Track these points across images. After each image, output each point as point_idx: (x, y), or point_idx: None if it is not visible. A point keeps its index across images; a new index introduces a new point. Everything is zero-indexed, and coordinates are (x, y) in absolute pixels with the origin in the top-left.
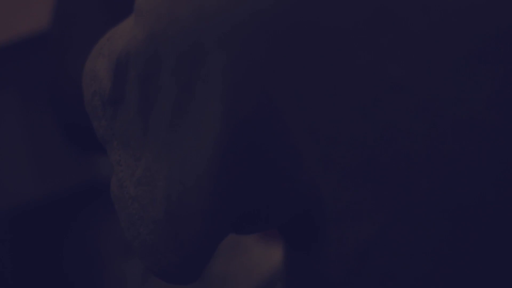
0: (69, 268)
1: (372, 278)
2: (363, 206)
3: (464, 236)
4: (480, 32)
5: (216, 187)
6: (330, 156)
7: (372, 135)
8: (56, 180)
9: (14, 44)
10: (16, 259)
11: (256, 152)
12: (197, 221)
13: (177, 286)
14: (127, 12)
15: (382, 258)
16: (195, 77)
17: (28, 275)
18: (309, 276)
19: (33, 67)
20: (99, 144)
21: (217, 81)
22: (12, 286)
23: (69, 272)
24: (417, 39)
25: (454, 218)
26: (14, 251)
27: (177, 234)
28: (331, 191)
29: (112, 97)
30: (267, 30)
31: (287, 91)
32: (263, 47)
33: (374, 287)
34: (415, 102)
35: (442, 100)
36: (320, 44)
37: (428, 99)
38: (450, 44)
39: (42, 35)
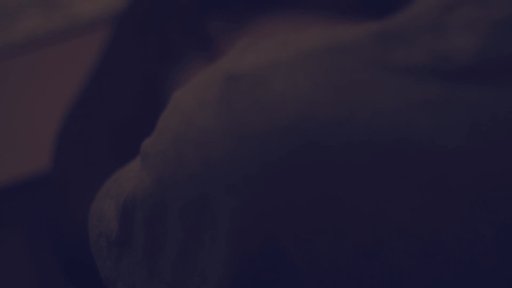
0: None
1: None
2: None
3: None
4: (484, 181)
5: None
6: None
7: (375, 275)
8: None
9: (16, 184)
10: None
11: None
12: None
13: None
14: (131, 153)
15: None
16: (201, 222)
17: None
18: None
19: (35, 206)
20: (99, 283)
21: (224, 226)
22: None
23: None
24: (421, 186)
25: None
26: None
27: None
28: None
29: (118, 239)
30: (276, 180)
31: (293, 234)
32: (272, 195)
33: None
34: (418, 245)
35: (445, 244)
36: (325, 192)
37: (432, 243)
38: (454, 190)
39: (45, 175)
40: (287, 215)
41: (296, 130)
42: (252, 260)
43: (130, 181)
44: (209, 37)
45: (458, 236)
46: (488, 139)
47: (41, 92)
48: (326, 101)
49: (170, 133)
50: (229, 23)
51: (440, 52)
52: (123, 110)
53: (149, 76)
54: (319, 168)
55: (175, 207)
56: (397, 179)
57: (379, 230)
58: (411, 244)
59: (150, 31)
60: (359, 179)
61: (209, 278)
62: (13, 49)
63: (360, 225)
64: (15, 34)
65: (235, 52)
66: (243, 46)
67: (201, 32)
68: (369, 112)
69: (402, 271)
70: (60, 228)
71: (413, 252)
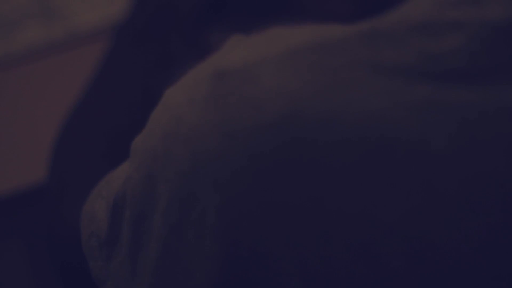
0: None
1: None
2: None
3: None
4: (472, 181)
5: None
6: None
7: (365, 275)
8: None
9: (16, 193)
10: None
11: None
12: None
13: None
14: (124, 157)
15: None
16: (185, 218)
17: None
18: None
19: (35, 215)
20: (93, 285)
21: (211, 221)
22: None
23: None
24: (408, 186)
25: None
26: None
27: None
28: None
29: (108, 239)
30: (263, 176)
31: (280, 231)
32: (259, 191)
33: None
34: (407, 246)
35: (435, 245)
36: (311, 190)
37: (421, 243)
38: (442, 191)
39: (44, 184)
40: (273, 212)
41: (282, 126)
42: (239, 255)
43: (121, 180)
44: (209, 47)
45: (447, 236)
46: (476, 139)
47: (41, 102)
48: (312, 98)
49: (160, 130)
50: (229, 33)
51: (429, 53)
52: (121, 119)
53: (149, 85)
54: (305, 165)
55: (161, 202)
56: (383, 178)
57: (365, 230)
58: (399, 245)
59: (150, 40)
60: (345, 178)
61: (195, 274)
62: (13, 59)
63: (347, 225)
64: (15, 45)
65: (224, 49)
66: (232, 43)
67: (201, 41)
68: (356, 111)
69: (392, 272)
70: (55, 232)
71: (402, 252)
